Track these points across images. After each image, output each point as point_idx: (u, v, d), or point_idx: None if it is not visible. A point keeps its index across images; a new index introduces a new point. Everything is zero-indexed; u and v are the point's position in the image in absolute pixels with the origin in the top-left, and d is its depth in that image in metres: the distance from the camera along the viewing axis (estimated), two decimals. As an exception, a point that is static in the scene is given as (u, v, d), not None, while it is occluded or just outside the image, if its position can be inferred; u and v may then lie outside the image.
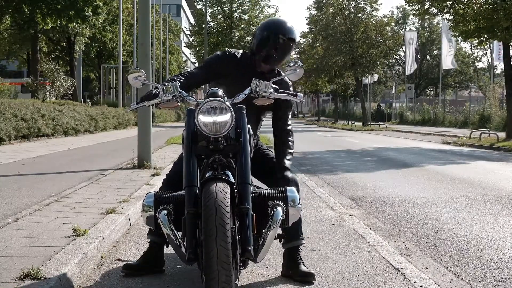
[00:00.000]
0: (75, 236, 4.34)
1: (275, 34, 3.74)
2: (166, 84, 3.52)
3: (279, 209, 3.25)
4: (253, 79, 3.48)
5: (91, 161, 10.79)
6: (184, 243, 3.14)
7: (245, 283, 3.77)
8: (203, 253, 2.88)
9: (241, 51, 3.95)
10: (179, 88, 3.47)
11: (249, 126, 3.41)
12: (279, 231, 3.50)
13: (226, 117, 3.17)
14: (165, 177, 3.88)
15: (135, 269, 3.90)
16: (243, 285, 3.72)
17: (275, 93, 3.52)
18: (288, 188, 3.43)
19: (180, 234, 3.19)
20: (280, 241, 3.74)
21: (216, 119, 3.17)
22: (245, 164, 3.21)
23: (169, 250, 3.94)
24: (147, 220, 3.39)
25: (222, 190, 2.97)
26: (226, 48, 4.06)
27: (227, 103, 3.23)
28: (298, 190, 3.57)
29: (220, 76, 3.82)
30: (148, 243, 3.96)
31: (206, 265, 2.86)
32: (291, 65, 3.61)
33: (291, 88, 3.89)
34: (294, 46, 3.87)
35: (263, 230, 3.23)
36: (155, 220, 3.30)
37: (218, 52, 3.97)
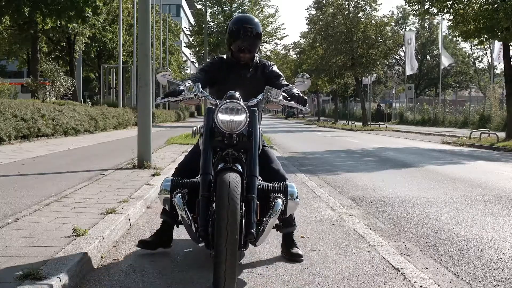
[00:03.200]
0: (75, 236, 4.34)
1: (240, 25, 4.24)
2: (189, 83, 3.96)
3: (280, 201, 3.74)
4: (266, 86, 3.93)
5: (91, 161, 10.78)
6: (195, 224, 3.59)
7: (245, 283, 3.76)
8: (215, 232, 3.29)
9: (226, 55, 4.48)
10: (201, 88, 3.93)
11: (259, 126, 3.89)
12: (277, 221, 4.07)
13: (242, 117, 3.65)
14: (177, 166, 4.37)
15: (149, 244, 4.43)
16: (243, 285, 3.72)
17: (284, 100, 3.96)
18: (288, 183, 3.94)
19: (191, 215, 3.65)
20: (277, 230, 4.27)
21: (232, 118, 3.65)
22: (254, 159, 3.66)
23: (168, 250, 3.95)
24: (163, 201, 3.92)
25: (235, 179, 3.42)
26: (215, 55, 4.53)
27: (243, 104, 3.69)
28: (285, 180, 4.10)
29: (215, 81, 4.33)
30: (161, 223, 4.48)
31: (216, 248, 3.27)
32: (299, 76, 4.16)
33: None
34: (260, 32, 4.30)
35: (264, 219, 3.69)
36: (170, 202, 3.83)
37: (210, 59, 4.56)
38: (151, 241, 4.48)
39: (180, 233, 4.72)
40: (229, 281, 3.28)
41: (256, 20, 4.32)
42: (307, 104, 4.08)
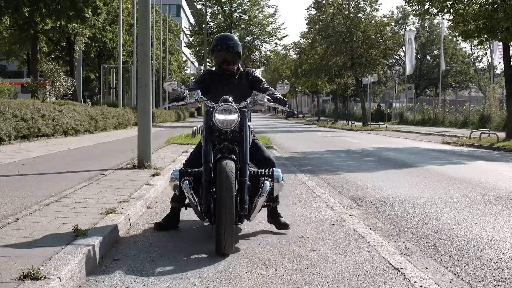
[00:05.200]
0: (75, 236, 4.34)
1: (224, 42, 5.17)
2: (191, 90, 4.99)
3: (268, 183, 4.68)
4: (253, 91, 4.90)
5: (91, 161, 10.78)
6: (199, 207, 4.54)
7: (245, 283, 3.76)
8: (216, 207, 4.27)
9: (215, 67, 5.42)
10: (200, 94, 4.94)
11: (249, 124, 4.86)
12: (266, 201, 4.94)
13: (234, 116, 4.63)
14: (184, 162, 5.28)
15: (163, 227, 5.28)
16: (243, 285, 3.72)
17: (268, 102, 5.01)
18: (275, 169, 4.84)
19: (197, 198, 4.58)
20: (267, 208, 5.25)
21: (227, 117, 4.62)
22: (245, 150, 4.64)
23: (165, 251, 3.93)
24: (173, 187, 4.83)
25: (230, 165, 4.40)
26: (205, 68, 5.43)
27: (235, 106, 4.66)
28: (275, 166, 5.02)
29: (207, 89, 5.21)
30: (170, 209, 5.34)
31: (217, 218, 4.26)
32: (280, 83, 5.21)
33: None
34: (240, 48, 5.23)
35: (255, 198, 4.63)
36: (179, 187, 4.72)
37: (202, 72, 5.40)
38: (164, 223, 5.33)
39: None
40: (228, 243, 4.30)
41: (236, 38, 5.30)
42: (287, 105, 5.18)
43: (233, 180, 4.32)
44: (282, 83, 5.21)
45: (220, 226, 4.27)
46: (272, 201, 5.19)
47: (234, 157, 4.57)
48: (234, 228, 4.45)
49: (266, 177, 4.72)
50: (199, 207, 4.57)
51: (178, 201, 5.14)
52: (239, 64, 5.36)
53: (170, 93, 5.44)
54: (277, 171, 4.83)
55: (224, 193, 4.25)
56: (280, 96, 5.16)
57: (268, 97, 5.00)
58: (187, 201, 4.89)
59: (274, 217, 5.34)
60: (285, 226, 5.30)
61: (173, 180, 4.81)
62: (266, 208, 5.29)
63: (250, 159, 4.78)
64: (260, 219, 5.86)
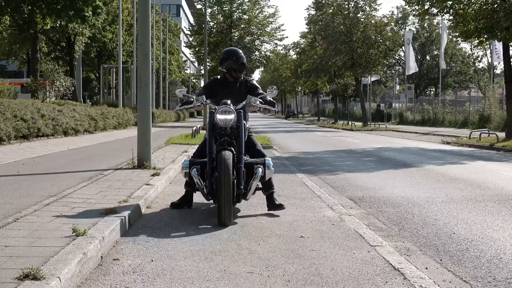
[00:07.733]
0: (75, 236, 4.34)
1: (231, 54, 6.41)
2: (197, 96, 6.22)
3: (260, 169, 5.75)
4: (248, 96, 6.09)
5: (91, 161, 10.79)
6: (205, 189, 5.62)
7: (245, 283, 3.76)
8: (217, 187, 5.38)
9: (220, 76, 6.63)
10: (205, 99, 6.17)
11: (244, 122, 5.97)
12: (260, 185, 6.04)
13: (232, 116, 5.78)
14: (193, 153, 6.36)
15: (178, 206, 6.37)
16: (243, 285, 3.72)
17: (260, 104, 6.19)
18: (266, 158, 5.94)
19: (203, 183, 5.64)
20: (262, 191, 6.22)
21: (226, 117, 5.77)
22: (240, 143, 5.75)
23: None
24: (184, 174, 5.92)
25: (229, 155, 5.49)
26: (212, 76, 6.67)
27: (232, 108, 5.80)
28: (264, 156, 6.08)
29: (212, 93, 6.38)
30: (185, 192, 6.39)
31: (218, 197, 5.38)
32: (269, 88, 6.41)
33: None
34: (245, 60, 6.49)
35: (250, 182, 5.71)
36: (189, 174, 5.79)
37: (209, 80, 6.70)
38: (179, 203, 6.40)
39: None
40: (227, 216, 5.40)
41: (241, 52, 6.52)
42: (276, 107, 6.44)
43: (230, 166, 5.38)
44: (271, 88, 6.42)
45: (221, 203, 5.34)
46: (267, 189, 6.19)
47: (232, 148, 5.66)
48: (233, 207, 5.59)
49: (259, 165, 5.79)
50: (205, 190, 5.63)
51: (190, 186, 6.19)
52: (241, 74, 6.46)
53: (180, 98, 6.71)
54: (268, 159, 5.91)
55: (223, 176, 5.32)
56: (270, 99, 6.33)
57: (260, 100, 6.13)
58: (197, 186, 5.86)
59: (270, 201, 6.25)
60: (279, 206, 6.19)
61: (184, 168, 5.89)
62: (266, 198, 6.27)
63: (246, 152, 5.91)
64: (260, 220, 5.87)
